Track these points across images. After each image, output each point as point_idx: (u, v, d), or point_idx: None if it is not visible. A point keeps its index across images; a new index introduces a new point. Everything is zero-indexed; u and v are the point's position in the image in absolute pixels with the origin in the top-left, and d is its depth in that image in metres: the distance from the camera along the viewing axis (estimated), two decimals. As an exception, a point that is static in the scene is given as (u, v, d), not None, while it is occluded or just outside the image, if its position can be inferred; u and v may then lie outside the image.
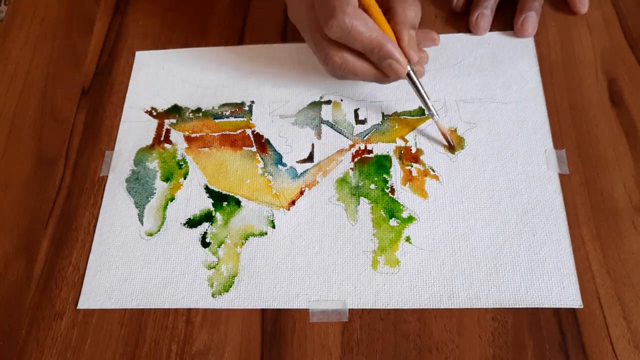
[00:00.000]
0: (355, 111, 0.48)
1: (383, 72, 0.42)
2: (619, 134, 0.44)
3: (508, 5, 0.51)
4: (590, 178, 0.42)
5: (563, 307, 0.38)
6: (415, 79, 0.43)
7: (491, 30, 0.50)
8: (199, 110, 0.50)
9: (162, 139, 0.48)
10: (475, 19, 0.49)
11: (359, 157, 0.45)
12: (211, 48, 0.53)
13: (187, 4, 0.56)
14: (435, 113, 0.43)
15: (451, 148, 0.45)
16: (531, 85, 0.47)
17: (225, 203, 0.45)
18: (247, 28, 0.54)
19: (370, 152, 0.45)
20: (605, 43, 0.48)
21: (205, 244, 0.43)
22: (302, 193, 0.44)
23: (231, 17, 0.55)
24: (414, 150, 0.45)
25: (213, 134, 0.48)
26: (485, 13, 0.49)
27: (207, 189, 0.45)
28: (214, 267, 0.42)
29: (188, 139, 0.48)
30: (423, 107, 0.45)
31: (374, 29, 0.40)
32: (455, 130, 0.45)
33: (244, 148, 0.47)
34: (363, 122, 0.47)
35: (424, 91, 0.43)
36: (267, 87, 0.50)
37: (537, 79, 0.47)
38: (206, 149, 0.47)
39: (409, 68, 0.42)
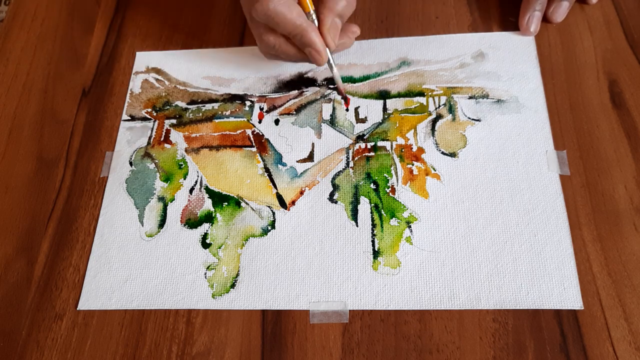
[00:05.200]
0: (356, 109, 0.48)
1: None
2: (619, 135, 0.44)
3: (509, 5, 0.51)
4: (591, 179, 0.42)
5: (564, 308, 0.38)
6: (333, 65, 0.46)
7: (493, 30, 0.50)
8: (199, 110, 0.50)
9: (162, 139, 0.48)
10: (526, 20, 0.49)
11: (359, 156, 0.45)
12: (212, 49, 0.53)
13: (188, 5, 0.56)
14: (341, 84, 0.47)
15: (344, 100, 0.48)
16: (532, 86, 0.47)
17: (226, 203, 0.45)
18: (248, 29, 0.54)
19: (371, 150, 0.45)
20: (606, 44, 0.48)
21: (205, 245, 0.43)
22: (302, 193, 0.44)
23: (232, 18, 0.55)
24: (415, 149, 0.45)
25: (213, 134, 0.48)
26: (537, 15, 0.49)
27: (207, 190, 0.45)
28: (214, 268, 0.42)
29: (188, 139, 0.48)
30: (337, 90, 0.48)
31: (299, 16, 0.41)
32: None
33: (244, 148, 0.47)
34: (363, 120, 0.47)
35: (338, 77, 0.47)
36: (268, 88, 0.50)
37: (538, 80, 0.47)
38: (206, 149, 0.47)
39: (328, 54, 0.44)
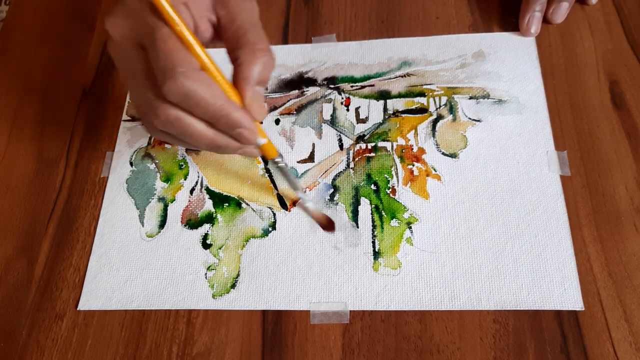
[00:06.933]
0: (357, 110, 0.48)
1: (227, 139, 0.35)
2: (620, 135, 0.44)
3: (510, 5, 0.51)
4: (592, 180, 0.42)
5: (564, 309, 0.38)
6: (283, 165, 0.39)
7: (493, 31, 0.50)
8: (199, 110, 0.49)
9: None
10: (526, 22, 0.49)
11: (359, 157, 0.45)
12: (212, 49, 0.53)
13: (188, 4, 0.56)
14: (300, 189, 0.42)
15: (329, 227, 0.42)
16: (533, 87, 0.47)
17: (226, 204, 0.45)
18: (248, 29, 0.53)
19: (372, 151, 0.45)
20: (607, 44, 0.48)
21: (206, 246, 0.43)
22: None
23: (232, 17, 0.55)
24: (415, 150, 0.45)
25: (214, 135, 0.48)
26: (537, 15, 0.49)
27: (208, 190, 0.45)
28: (214, 269, 0.42)
29: (189, 139, 0.48)
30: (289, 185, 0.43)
31: (219, 95, 0.33)
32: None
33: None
34: (364, 121, 0.47)
35: (288, 172, 0.41)
36: (268, 88, 0.50)
37: (538, 80, 0.47)
38: (207, 149, 0.47)
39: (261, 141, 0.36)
